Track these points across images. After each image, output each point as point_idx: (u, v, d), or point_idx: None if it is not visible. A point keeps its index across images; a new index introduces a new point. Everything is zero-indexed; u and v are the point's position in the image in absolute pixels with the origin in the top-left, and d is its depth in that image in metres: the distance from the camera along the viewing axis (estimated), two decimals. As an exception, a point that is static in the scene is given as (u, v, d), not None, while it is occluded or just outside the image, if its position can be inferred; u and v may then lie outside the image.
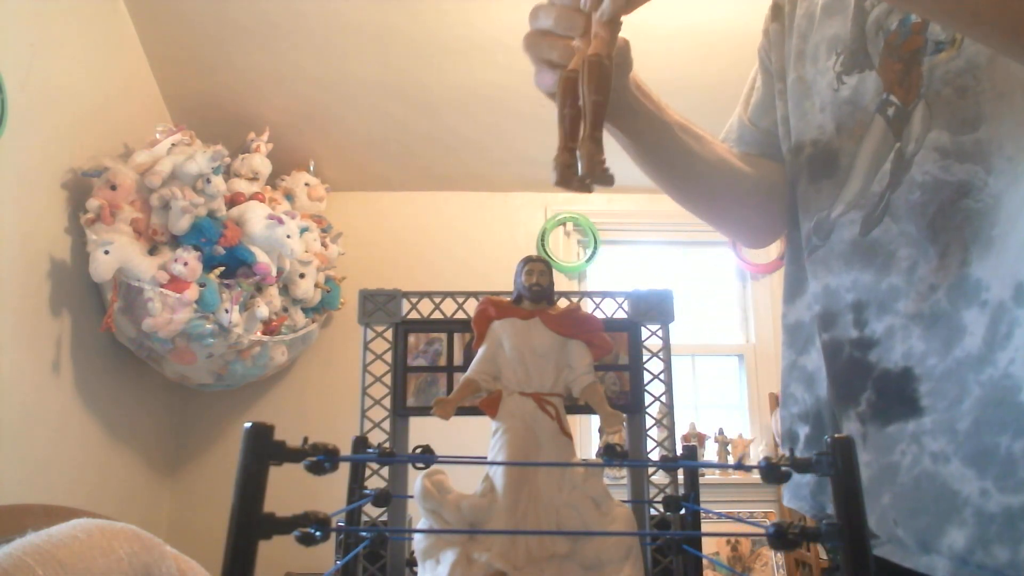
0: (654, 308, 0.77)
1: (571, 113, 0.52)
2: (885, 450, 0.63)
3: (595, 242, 2.91)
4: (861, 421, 0.67)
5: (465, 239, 2.87)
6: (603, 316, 0.78)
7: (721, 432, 2.74)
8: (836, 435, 0.38)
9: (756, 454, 2.74)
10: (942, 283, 0.60)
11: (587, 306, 0.78)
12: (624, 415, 0.76)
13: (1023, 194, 0.55)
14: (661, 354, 0.78)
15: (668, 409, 0.76)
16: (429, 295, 0.80)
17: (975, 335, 0.58)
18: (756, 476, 2.14)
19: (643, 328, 0.77)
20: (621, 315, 0.78)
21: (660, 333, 0.78)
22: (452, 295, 0.80)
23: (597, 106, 0.51)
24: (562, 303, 0.61)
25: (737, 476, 2.68)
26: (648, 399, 0.76)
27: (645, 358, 0.77)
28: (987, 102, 0.59)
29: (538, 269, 0.58)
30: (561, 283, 2.82)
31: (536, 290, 0.57)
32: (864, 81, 0.69)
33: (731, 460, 2.67)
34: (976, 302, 0.58)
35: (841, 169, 0.71)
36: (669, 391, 0.77)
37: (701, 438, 2.72)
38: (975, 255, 0.58)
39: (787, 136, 0.83)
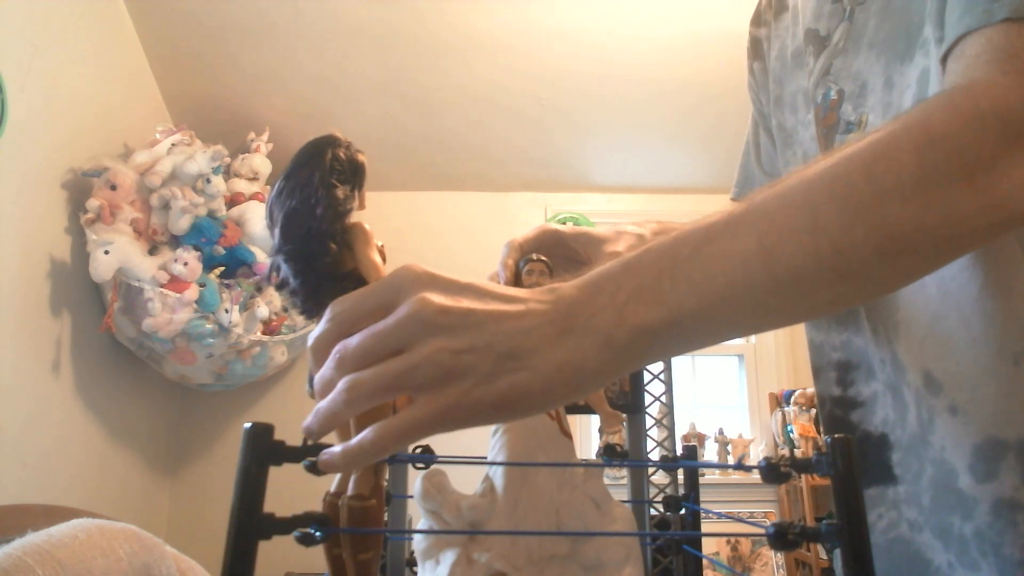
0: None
1: None
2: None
3: (595, 242, 2.91)
4: None
5: (465, 239, 2.87)
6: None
7: (721, 432, 2.74)
8: (836, 435, 0.38)
9: (756, 454, 2.74)
10: (887, 357, 0.60)
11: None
12: (623, 415, 0.76)
13: (915, 282, 0.48)
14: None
15: (668, 409, 0.76)
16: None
17: (912, 414, 0.58)
18: (756, 476, 2.14)
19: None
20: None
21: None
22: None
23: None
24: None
25: (737, 476, 2.68)
26: (648, 399, 0.76)
27: (645, 358, 0.76)
28: None
29: (537, 269, 0.58)
30: (561, 283, 2.81)
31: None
32: (815, 143, 0.69)
33: (731, 460, 2.67)
34: (904, 382, 0.59)
35: None
36: (669, 391, 0.76)
37: (701, 438, 2.72)
38: (893, 336, 0.59)
39: (771, 159, 0.82)
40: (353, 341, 0.39)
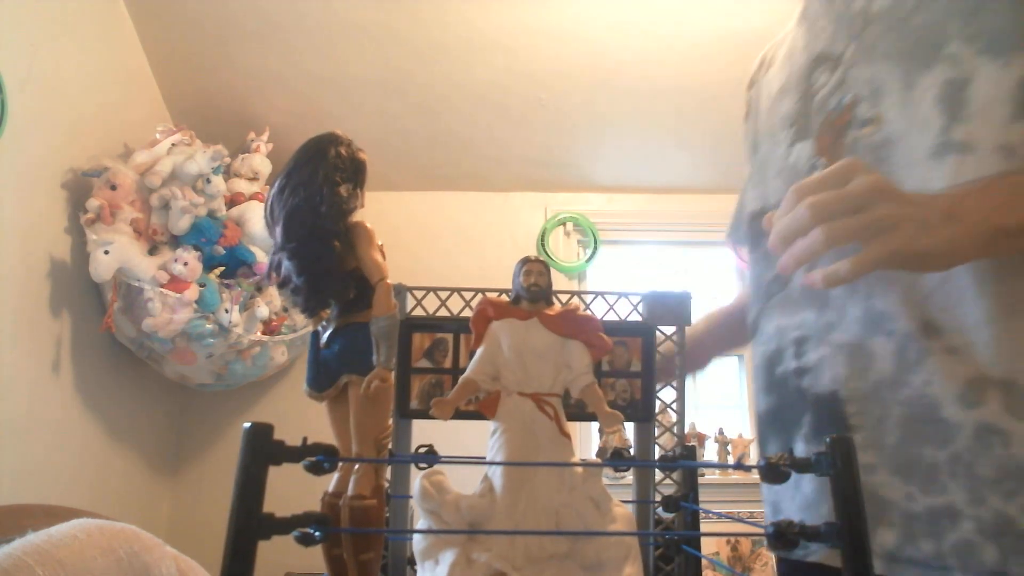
0: (671, 310, 0.75)
1: None
2: None
3: (595, 242, 2.91)
4: (805, 442, 0.75)
5: (465, 239, 2.87)
6: (616, 319, 0.76)
7: (721, 432, 2.74)
8: (835, 435, 0.38)
9: (756, 454, 2.74)
10: (857, 315, 0.71)
11: (599, 307, 0.77)
12: (622, 415, 0.75)
13: None
14: (676, 359, 0.76)
15: (679, 417, 0.75)
16: (435, 290, 0.78)
17: (885, 360, 0.69)
18: (756, 476, 2.14)
19: (657, 331, 0.76)
20: (632, 316, 0.76)
21: (676, 337, 0.77)
22: (459, 291, 0.78)
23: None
24: (575, 303, 0.61)
25: (737, 476, 2.68)
26: (658, 406, 0.75)
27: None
28: (899, 168, 0.70)
29: (536, 269, 0.58)
30: (561, 283, 2.81)
31: (534, 290, 0.57)
32: (804, 148, 0.81)
33: (731, 460, 2.67)
34: (883, 331, 0.69)
35: None
36: (681, 398, 0.76)
37: (701, 438, 2.71)
38: (879, 290, 0.69)
39: (753, 202, 0.96)
40: (825, 198, 0.58)
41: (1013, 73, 0.64)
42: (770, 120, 0.89)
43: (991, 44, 0.65)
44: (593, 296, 0.78)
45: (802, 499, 0.78)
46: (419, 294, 0.77)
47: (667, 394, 0.76)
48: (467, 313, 0.73)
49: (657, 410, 0.74)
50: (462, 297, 0.77)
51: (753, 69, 1.01)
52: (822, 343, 0.74)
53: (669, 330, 0.77)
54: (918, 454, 0.66)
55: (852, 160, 0.60)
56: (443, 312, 0.77)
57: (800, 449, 0.75)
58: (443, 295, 0.78)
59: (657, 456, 0.74)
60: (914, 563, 0.64)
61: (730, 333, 1.02)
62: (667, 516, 0.70)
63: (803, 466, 0.39)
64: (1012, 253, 0.62)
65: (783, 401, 0.80)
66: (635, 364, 0.75)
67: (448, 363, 0.74)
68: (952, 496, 0.63)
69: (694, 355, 0.97)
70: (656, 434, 0.75)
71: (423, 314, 0.76)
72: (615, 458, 0.60)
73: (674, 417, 0.75)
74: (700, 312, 1.02)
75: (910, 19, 0.72)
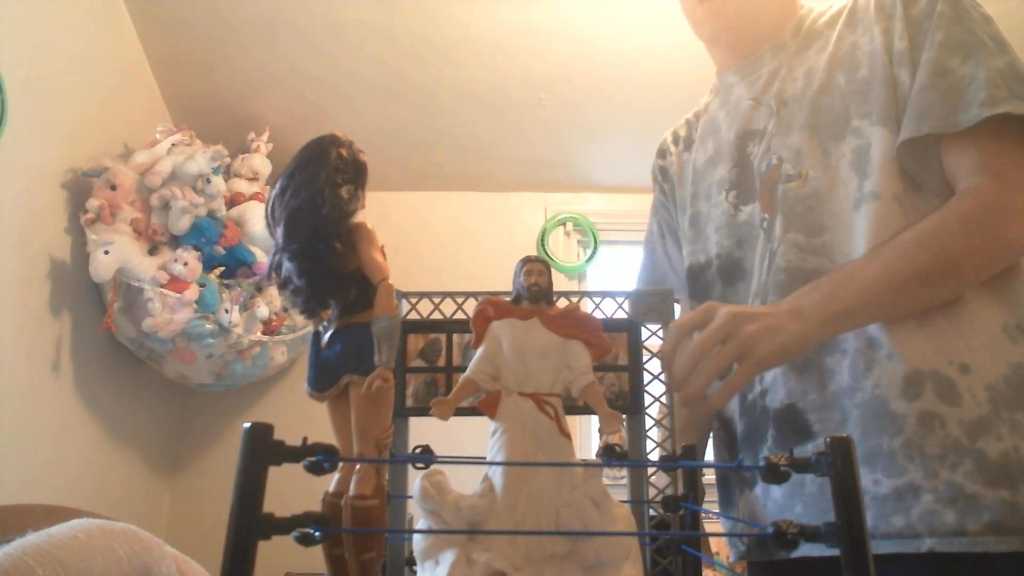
0: (655, 308, 0.76)
1: None
2: None
3: (595, 242, 2.91)
4: (772, 452, 0.84)
5: (465, 239, 2.87)
6: (602, 316, 0.77)
7: (721, 432, 2.74)
8: (835, 435, 0.38)
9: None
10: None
11: (587, 306, 0.78)
12: (623, 416, 0.76)
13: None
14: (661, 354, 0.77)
15: (668, 410, 0.76)
16: (428, 295, 0.79)
17: (842, 373, 0.83)
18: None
19: (643, 328, 0.77)
20: (620, 315, 0.77)
21: (660, 333, 0.78)
22: (451, 295, 0.79)
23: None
24: (562, 303, 0.61)
25: (737, 476, 2.68)
26: (648, 400, 0.76)
27: (645, 358, 0.76)
28: (827, 218, 0.88)
29: (536, 269, 0.58)
30: (561, 283, 2.81)
31: (535, 290, 0.57)
32: (754, 208, 0.97)
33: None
34: (837, 350, 0.84)
35: (746, 272, 0.97)
36: (669, 392, 0.76)
37: (701, 438, 2.71)
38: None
39: (680, 264, 1.14)
40: (702, 340, 0.73)
41: (895, 138, 0.84)
42: (704, 184, 1.06)
43: (879, 117, 0.86)
44: (579, 296, 0.79)
45: (772, 504, 0.89)
46: (413, 299, 0.78)
47: (656, 387, 0.77)
48: (459, 316, 0.74)
49: (647, 404, 0.75)
50: (455, 301, 0.78)
51: (663, 143, 1.21)
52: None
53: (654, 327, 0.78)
54: (877, 445, 0.79)
55: (709, 304, 0.76)
56: (437, 316, 0.78)
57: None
58: (436, 300, 0.79)
59: (658, 456, 0.74)
60: (889, 537, 0.76)
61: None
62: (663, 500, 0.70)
63: (803, 466, 0.39)
64: (855, 328, 0.80)
65: (750, 422, 0.93)
66: (622, 358, 0.77)
67: (442, 362, 0.75)
68: (910, 476, 0.76)
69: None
70: (647, 426, 0.75)
71: (418, 318, 0.77)
72: (607, 452, 0.60)
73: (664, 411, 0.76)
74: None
75: (818, 100, 0.92)
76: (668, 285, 1.17)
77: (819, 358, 0.84)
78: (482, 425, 0.57)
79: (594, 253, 2.90)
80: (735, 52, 1.06)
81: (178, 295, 2.01)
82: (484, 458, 0.54)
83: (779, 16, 1.02)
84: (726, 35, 1.04)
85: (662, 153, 1.21)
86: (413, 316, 0.79)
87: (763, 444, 0.89)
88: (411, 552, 0.67)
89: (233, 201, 2.30)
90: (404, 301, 0.78)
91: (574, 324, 0.57)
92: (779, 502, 0.87)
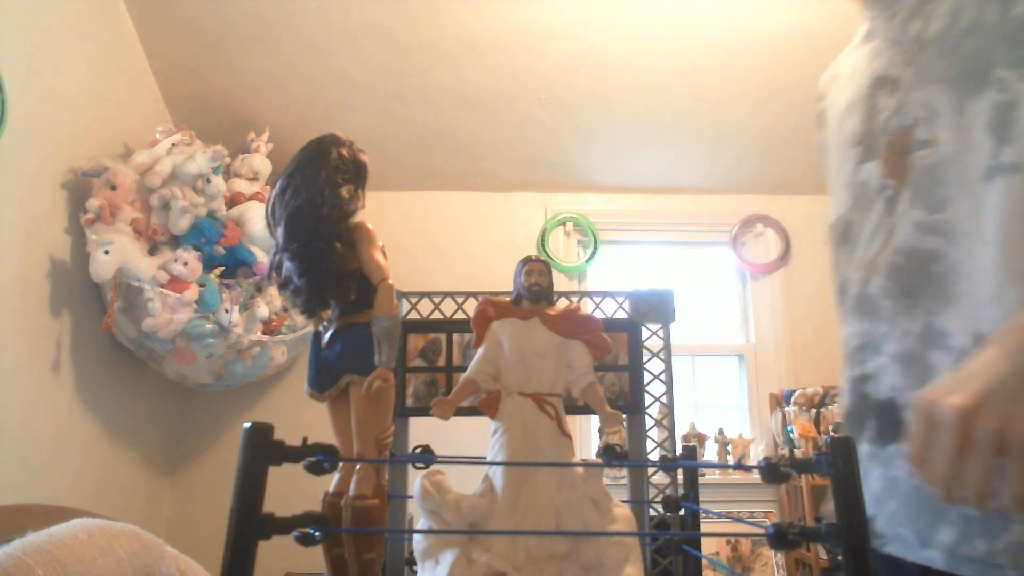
0: (655, 308, 0.76)
1: None
2: (888, 465, 0.77)
3: (595, 242, 2.91)
4: (870, 442, 0.81)
5: (465, 239, 2.87)
6: (603, 316, 0.77)
7: (721, 432, 2.74)
8: (835, 436, 0.38)
9: (756, 454, 2.74)
10: (914, 330, 0.76)
11: (587, 306, 0.78)
12: (623, 415, 0.76)
13: (977, 263, 0.71)
14: (661, 354, 0.77)
15: (668, 410, 0.76)
16: (429, 295, 0.79)
17: (943, 372, 0.73)
18: (756, 476, 2.14)
19: (643, 328, 0.77)
20: (621, 315, 0.77)
21: (661, 333, 0.78)
22: (451, 295, 0.79)
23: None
24: (562, 303, 0.61)
25: (737, 476, 2.68)
26: (648, 399, 0.76)
27: (645, 358, 0.76)
28: (953, 189, 0.75)
29: (537, 269, 0.58)
30: (561, 283, 2.81)
31: (535, 290, 0.57)
32: (873, 168, 0.85)
33: (731, 460, 2.67)
34: (942, 346, 0.74)
35: (853, 237, 0.88)
36: (670, 392, 0.76)
37: (701, 438, 2.71)
38: (939, 309, 0.74)
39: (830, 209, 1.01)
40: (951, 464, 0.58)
41: None
42: (839, 136, 0.94)
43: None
44: (579, 296, 0.79)
45: (870, 494, 0.81)
46: (414, 299, 0.78)
47: (656, 387, 0.77)
48: (459, 316, 0.74)
49: (647, 403, 0.75)
50: (455, 301, 0.78)
51: (823, 81, 1.05)
52: (878, 353, 0.80)
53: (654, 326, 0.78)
54: None
55: (924, 403, 0.62)
56: (437, 315, 0.78)
57: (864, 451, 0.80)
58: (436, 300, 0.79)
59: (658, 458, 0.74)
60: (971, 560, 0.70)
61: None
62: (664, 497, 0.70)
63: (803, 466, 0.39)
64: None
65: (853, 403, 0.86)
66: (622, 358, 0.76)
67: (442, 362, 0.75)
68: (1003, 501, 0.65)
69: None
70: (647, 426, 0.75)
71: (418, 317, 0.77)
72: (606, 452, 0.60)
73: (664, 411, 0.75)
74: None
75: (960, 45, 0.76)
76: None
77: (924, 352, 0.75)
78: (482, 425, 0.57)
79: (594, 253, 2.90)
80: None
81: (178, 295, 2.01)
82: (484, 458, 0.54)
83: None
84: None
85: (820, 96, 1.07)
86: (413, 316, 0.79)
87: (862, 433, 0.83)
88: (411, 552, 0.67)
89: (233, 201, 2.30)
90: (404, 301, 0.78)
91: (574, 324, 0.57)
92: (877, 494, 0.81)
